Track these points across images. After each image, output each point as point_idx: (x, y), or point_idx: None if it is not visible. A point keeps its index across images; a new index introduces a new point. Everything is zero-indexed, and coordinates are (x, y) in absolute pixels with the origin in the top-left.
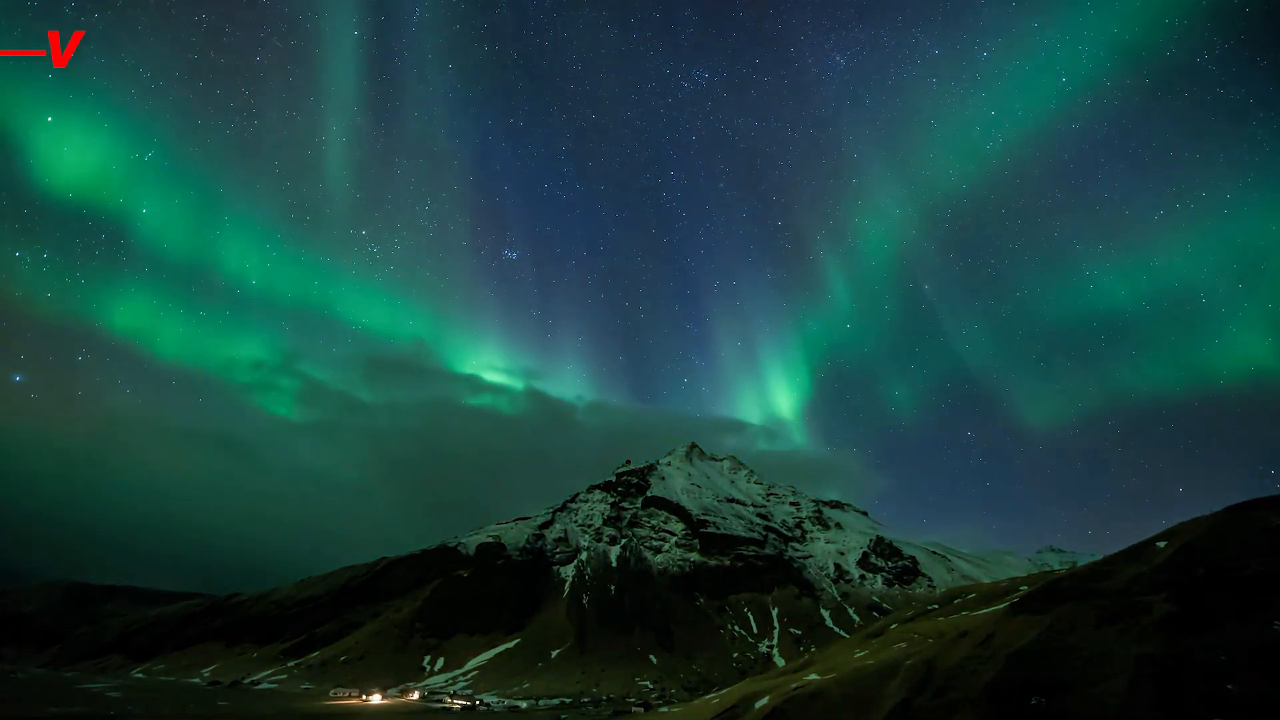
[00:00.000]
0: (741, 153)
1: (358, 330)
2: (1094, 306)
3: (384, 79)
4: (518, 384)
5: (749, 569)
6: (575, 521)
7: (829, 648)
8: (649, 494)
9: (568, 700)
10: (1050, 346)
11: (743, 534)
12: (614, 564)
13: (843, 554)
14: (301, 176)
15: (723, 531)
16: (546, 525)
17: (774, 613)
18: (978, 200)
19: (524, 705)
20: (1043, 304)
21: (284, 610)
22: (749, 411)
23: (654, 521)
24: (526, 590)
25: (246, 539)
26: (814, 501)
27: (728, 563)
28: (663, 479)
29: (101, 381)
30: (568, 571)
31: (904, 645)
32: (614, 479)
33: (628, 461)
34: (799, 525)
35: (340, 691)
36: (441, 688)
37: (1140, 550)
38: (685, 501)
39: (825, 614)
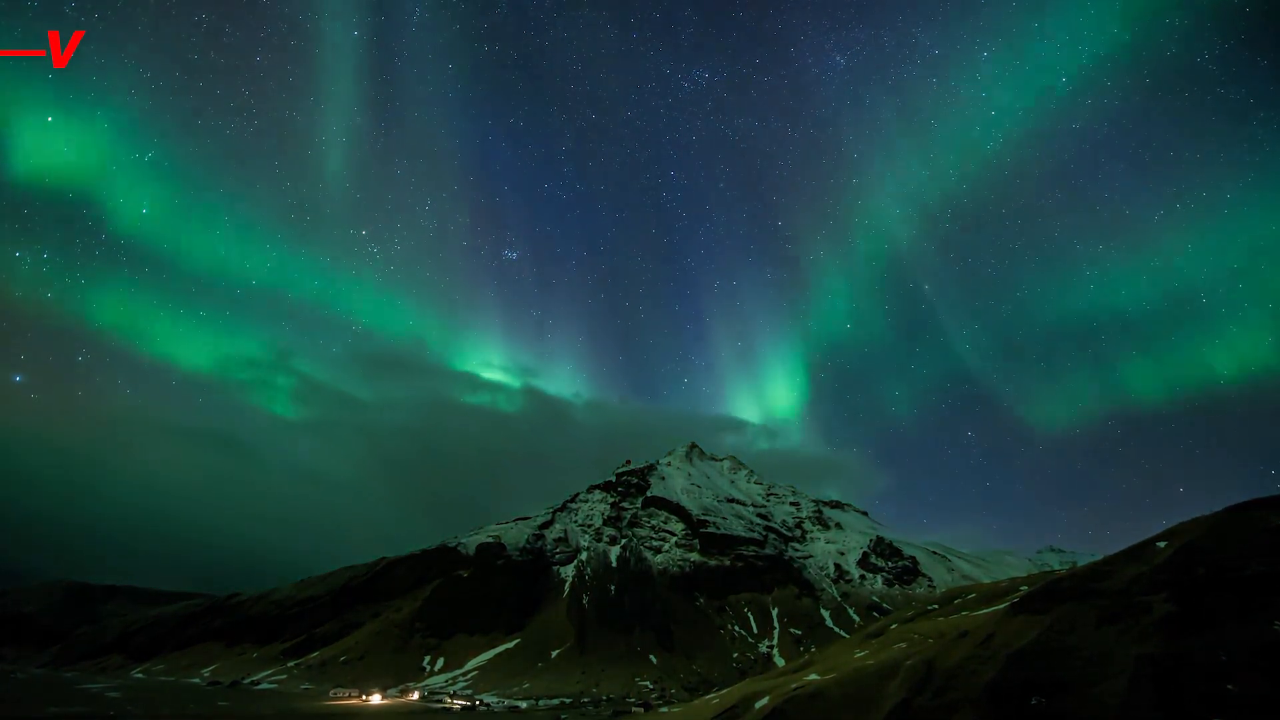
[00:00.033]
0: (741, 153)
1: (358, 330)
2: (1094, 306)
3: (384, 79)
4: (516, 382)
5: (749, 569)
6: (575, 521)
7: (829, 648)
8: (649, 494)
9: (568, 700)
10: (1050, 346)
11: (743, 534)
12: (614, 564)
13: (843, 554)
14: (301, 176)
15: (723, 531)
16: (546, 525)
17: (774, 613)
18: (978, 200)
19: (524, 705)
20: (1043, 304)
21: (284, 610)
22: (749, 411)
23: (654, 521)
24: (526, 590)
25: (246, 539)
26: (814, 501)
27: (728, 563)
28: (663, 479)
29: (101, 381)
30: (568, 571)
31: (904, 645)
32: (614, 479)
33: (628, 461)
34: (799, 525)
35: (340, 691)
36: (441, 688)
37: (1140, 550)
38: (685, 501)
39: (825, 614)
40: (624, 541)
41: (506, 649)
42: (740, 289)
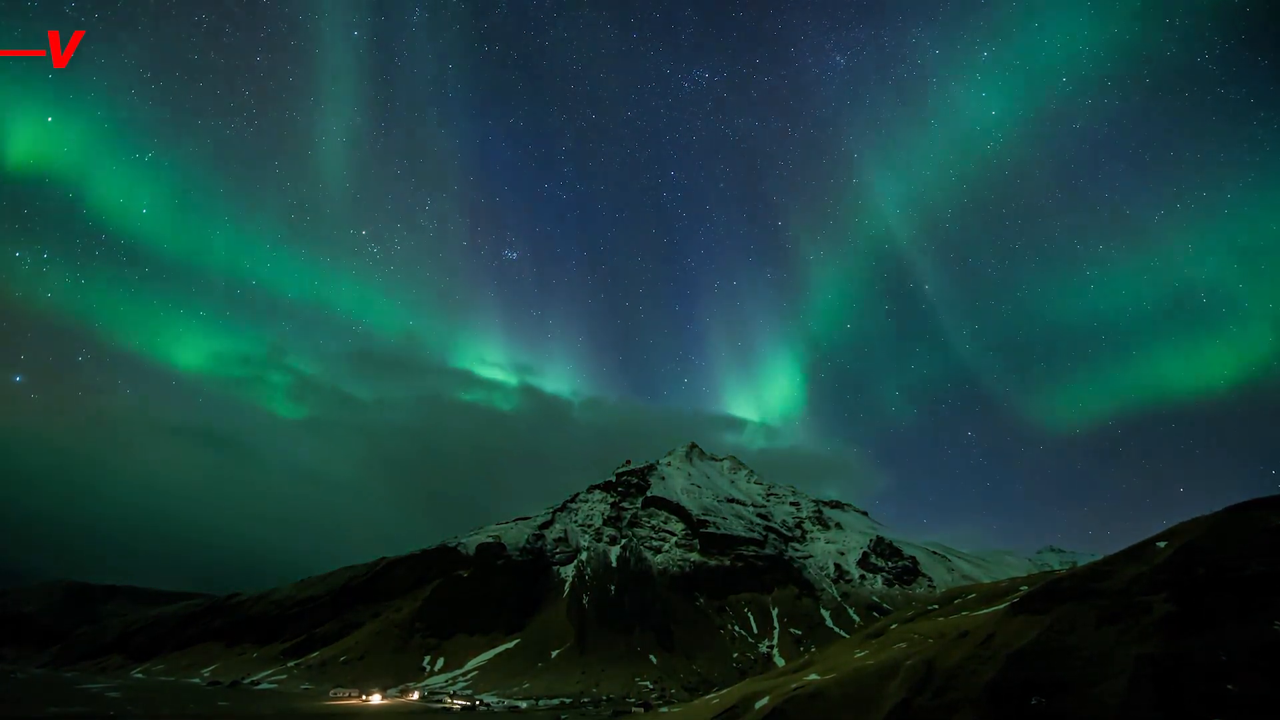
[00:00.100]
0: (741, 153)
1: (358, 329)
2: (1094, 306)
3: (384, 79)
4: (514, 380)
5: (749, 569)
6: (575, 521)
7: (829, 648)
8: (649, 494)
9: (568, 700)
10: (1050, 346)
11: (743, 534)
12: (614, 564)
13: (843, 554)
14: (301, 176)
15: (723, 531)
16: (546, 525)
17: (774, 613)
18: (978, 200)
19: (524, 705)
20: (1043, 304)
21: (284, 610)
22: (749, 411)
23: (654, 521)
24: (526, 590)
25: (246, 539)
26: (814, 501)
27: (728, 563)
28: (663, 479)
29: (101, 381)
30: (568, 571)
31: (904, 645)
32: (614, 479)
33: (628, 461)
34: (799, 525)
35: (340, 692)
36: (441, 688)
37: (1140, 550)
38: (685, 501)
39: (825, 614)
40: (624, 541)
41: (506, 649)
42: (740, 289)
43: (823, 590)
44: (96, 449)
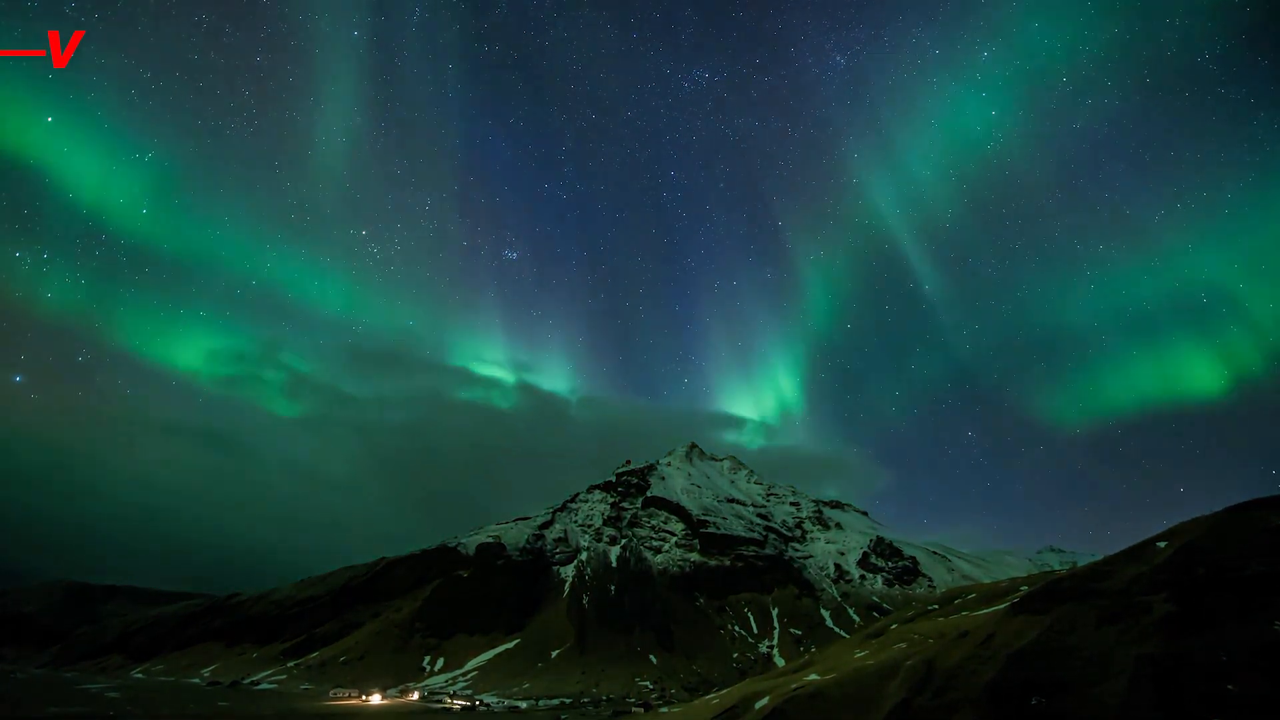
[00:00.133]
0: (741, 153)
1: (357, 329)
2: (1094, 306)
3: (384, 79)
4: (512, 378)
5: (749, 569)
6: (575, 521)
7: (829, 648)
8: (649, 494)
9: (568, 700)
10: (1050, 346)
11: (743, 534)
12: (614, 564)
13: (843, 554)
14: (301, 176)
15: (723, 532)
16: (546, 525)
17: (774, 613)
18: (978, 200)
19: (524, 705)
20: (1043, 304)
21: (284, 610)
22: (749, 411)
23: (654, 521)
24: (526, 590)
25: (246, 539)
26: (814, 502)
27: (728, 563)
28: (663, 479)
29: (101, 381)
30: (568, 571)
31: (904, 645)
32: (614, 479)
33: (628, 462)
34: (799, 525)
35: (340, 692)
36: (441, 688)
37: (1140, 550)
38: (685, 501)
39: (825, 614)
40: (624, 541)
41: (506, 649)
42: (740, 289)
43: (823, 590)
44: (96, 449)
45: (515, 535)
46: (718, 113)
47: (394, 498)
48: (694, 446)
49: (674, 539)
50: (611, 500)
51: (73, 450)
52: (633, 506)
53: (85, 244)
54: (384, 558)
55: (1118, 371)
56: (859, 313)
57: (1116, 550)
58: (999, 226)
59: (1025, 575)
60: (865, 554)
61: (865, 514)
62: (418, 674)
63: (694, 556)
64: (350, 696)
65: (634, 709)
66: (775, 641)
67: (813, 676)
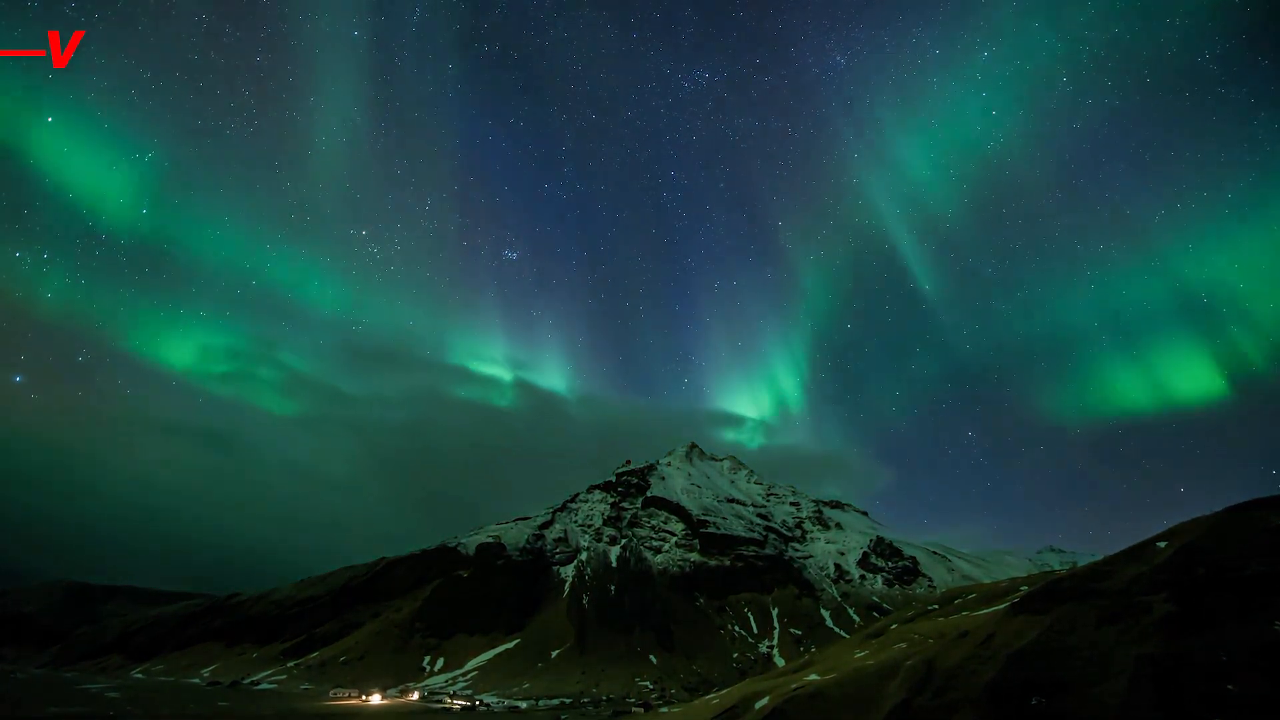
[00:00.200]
0: (741, 153)
1: (357, 329)
2: (1094, 306)
3: (384, 79)
4: (509, 377)
5: (749, 569)
6: (575, 521)
7: (829, 648)
8: (649, 494)
9: (568, 700)
10: (1050, 346)
11: (743, 534)
12: (614, 564)
13: (843, 554)
14: (301, 176)
15: (723, 532)
16: (546, 525)
17: (774, 613)
18: (978, 200)
19: (524, 705)
20: (1043, 304)
21: (284, 610)
22: (749, 410)
23: (654, 521)
24: (526, 590)
25: (246, 539)
26: (814, 501)
27: (728, 563)
28: (663, 479)
29: (101, 381)
30: (568, 572)
31: (904, 645)
32: (614, 479)
33: (628, 461)
34: (799, 525)
35: (340, 692)
36: (441, 688)
37: (1140, 550)
38: (685, 501)
39: (825, 614)
40: (624, 541)
41: (506, 649)
42: (740, 289)
43: (823, 590)
44: (96, 449)
45: (515, 535)
46: (718, 113)
47: (394, 498)
48: (694, 446)
49: (674, 539)
50: (611, 500)
51: (73, 450)
52: (633, 506)
53: (85, 244)
54: (384, 558)
55: (1118, 371)
56: (859, 313)
57: (1116, 550)
58: (999, 226)
59: (1025, 575)
60: (865, 554)
61: (865, 514)
62: (418, 674)
63: (694, 556)
64: (350, 696)
65: (634, 709)
66: (775, 641)
67: (813, 676)
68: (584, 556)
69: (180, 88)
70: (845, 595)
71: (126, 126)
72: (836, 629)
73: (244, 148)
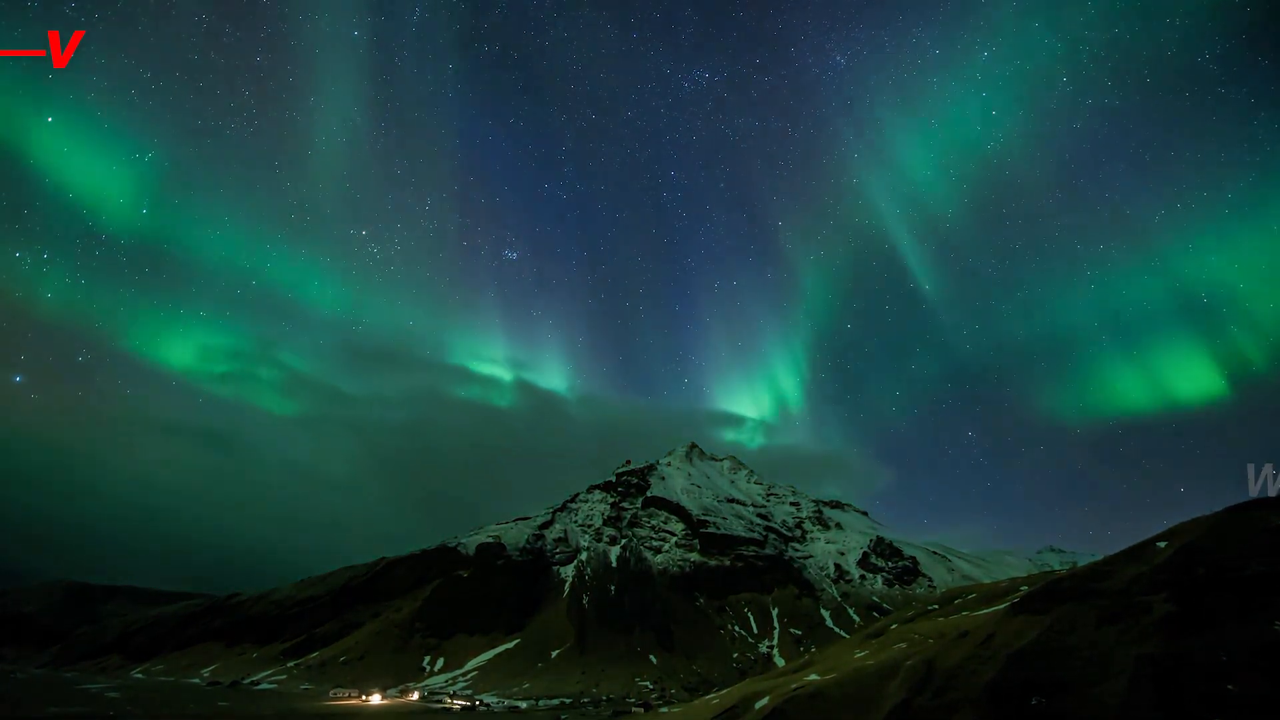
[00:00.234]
0: (741, 153)
1: (358, 329)
2: (1095, 306)
3: (384, 79)
4: (509, 376)
5: (749, 569)
6: (575, 521)
7: (829, 648)
8: (649, 494)
9: (568, 700)
10: (1050, 346)
11: (743, 534)
12: (614, 564)
13: (843, 554)
14: (301, 176)
15: (723, 531)
16: (546, 525)
17: (774, 613)
18: (978, 200)
19: (524, 705)
20: (1043, 304)
21: (284, 610)
22: (749, 410)
23: (654, 521)
24: (526, 590)
25: (246, 539)
26: (814, 501)
27: (728, 563)
28: (663, 479)
29: (101, 381)
30: (568, 571)
31: (904, 645)
32: (614, 479)
33: (628, 461)
34: (799, 525)
35: (340, 692)
36: (441, 688)
37: (1140, 550)
38: (685, 501)
39: (825, 614)
40: (624, 541)
41: (506, 649)
42: (740, 289)
43: (823, 590)
44: (96, 449)
45: (515, 535)
46: (718, 113)
47: (394, 498)
48: (694, 446)
49: (674, 539)
50: (611, 500)
51: (73, 450)
52: (633, 506)
53: (85, 244)
54: (384, 558)
55: (1118, 371)
56: (859, 312)
57: (1116, 550)
58: (999, 226)
59: (1025, 575)
60: (865, 554)
61: (865, 514)
62: (418, 674)
63: (694, 556)
64: (350, 696)
65: (634, 709)
66: (775, 641)
67: (813, 676)
68: (584, 556)
69: (180, 88)
70: (845, 595)
71: (126, 126)
72: (836, 629)
73: (244, 148)
